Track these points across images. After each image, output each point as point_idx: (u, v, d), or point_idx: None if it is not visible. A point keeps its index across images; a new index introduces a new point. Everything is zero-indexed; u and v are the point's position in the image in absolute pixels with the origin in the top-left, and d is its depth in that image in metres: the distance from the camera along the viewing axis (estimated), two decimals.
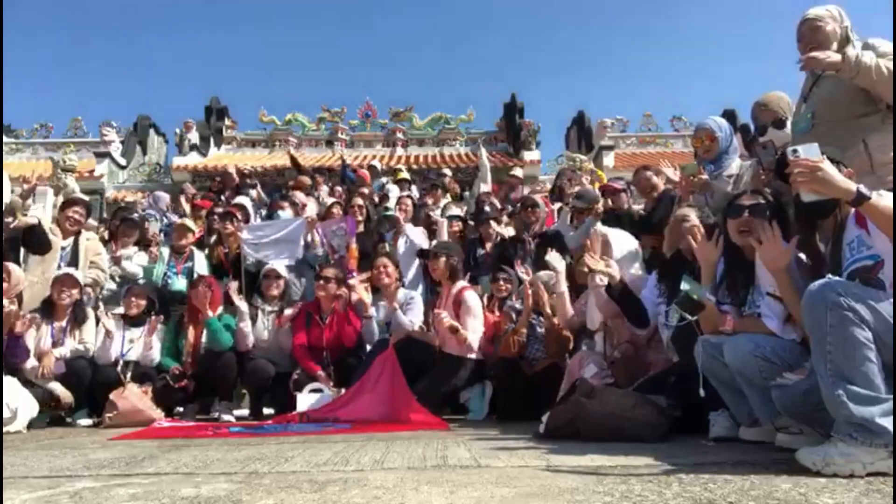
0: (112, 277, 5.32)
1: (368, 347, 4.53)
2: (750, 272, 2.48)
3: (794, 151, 1.88)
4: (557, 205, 6.34)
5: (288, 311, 4.71)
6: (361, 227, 5.71)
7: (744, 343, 2.17)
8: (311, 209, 6.74)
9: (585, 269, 3.51)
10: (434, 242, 5.45)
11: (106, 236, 6.08)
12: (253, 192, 7.81)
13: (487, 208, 6.12)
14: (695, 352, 2.40)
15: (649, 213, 4.50)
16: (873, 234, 1.90)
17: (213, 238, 6.01)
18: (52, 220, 5.26)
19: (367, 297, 4.65)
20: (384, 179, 8.88)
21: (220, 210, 6.33)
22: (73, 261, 4.90)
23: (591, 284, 3.50)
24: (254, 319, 4.70)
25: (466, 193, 9.34)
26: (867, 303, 1.71)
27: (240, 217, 5.97)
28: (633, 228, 4.23)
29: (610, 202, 5.14)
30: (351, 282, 4.80)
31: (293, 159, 10.13)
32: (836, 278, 1.85)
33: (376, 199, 7.31)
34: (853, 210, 1.97)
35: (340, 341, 4.48)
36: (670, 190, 4.30)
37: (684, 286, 2.40)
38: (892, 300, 1.77)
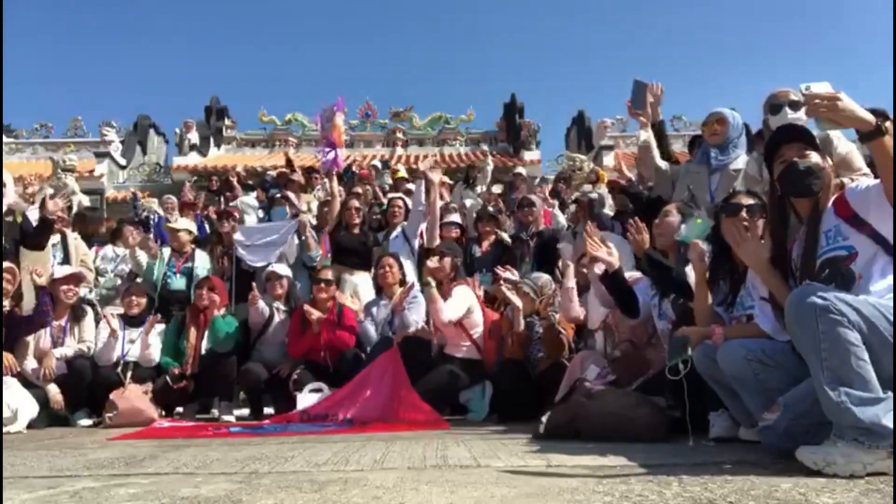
0: (118, 276, 5.37)
1: (369, 349, 4.53)
2: (739, 273, 2.49)
3: (808, 87, 1.81)
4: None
5: None
6: (357, 230, 5.69)
7: (737, 349, 2.17)
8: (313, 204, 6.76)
9: (586, 263, 3.50)
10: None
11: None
12: (253, 194, 7.80)
13: (491, 208, 6.12)
14: (693, 355, 2.40)
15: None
16: (850, 229, 1.92)
17: (213, 237, 6.03)
18: None
19: (354, 306, 4.65)
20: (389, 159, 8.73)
21: (213, 209, 6.36)
22: (65, 258, 4.92)
23: (589, 274, 3.47)
24: (271, 318, 4.72)
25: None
26: (850, 304, 1.71)
27: (236, 216, 5.98)
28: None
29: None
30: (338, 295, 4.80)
31: (288, 160, 9.88)
32: (813, 284, 1.84)
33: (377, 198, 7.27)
34: (832, 200, 2.00)
35: (338, 342, 4.47)
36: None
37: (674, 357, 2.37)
38: (868, 298, 1.78)
